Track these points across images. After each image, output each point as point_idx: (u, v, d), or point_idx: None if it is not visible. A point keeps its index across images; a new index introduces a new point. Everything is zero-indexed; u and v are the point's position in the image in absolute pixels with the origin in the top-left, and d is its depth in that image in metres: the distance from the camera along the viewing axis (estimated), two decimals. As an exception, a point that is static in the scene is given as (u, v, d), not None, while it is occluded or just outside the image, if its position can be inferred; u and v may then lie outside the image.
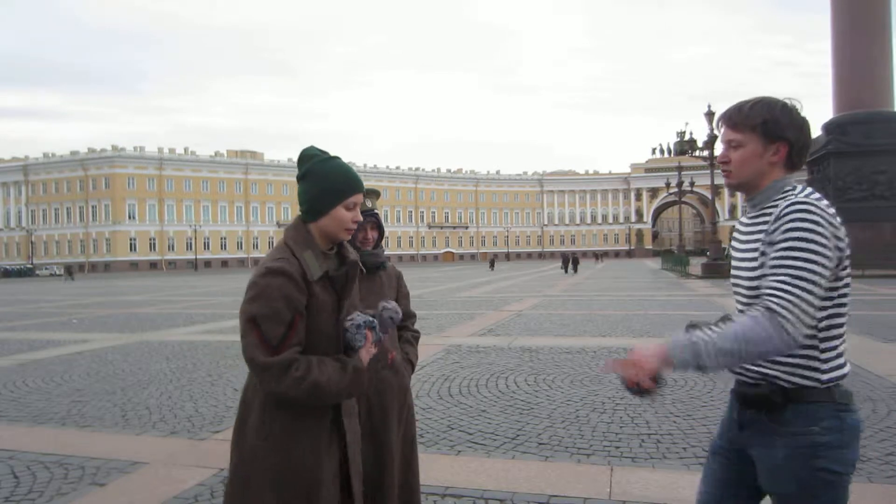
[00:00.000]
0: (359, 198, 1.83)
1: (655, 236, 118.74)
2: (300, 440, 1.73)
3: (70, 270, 55.03)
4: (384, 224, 2.74)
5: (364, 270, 2.17)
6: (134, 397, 6.16)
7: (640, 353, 1.57)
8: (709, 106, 29.21)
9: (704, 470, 1.85)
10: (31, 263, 77.10)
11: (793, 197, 1.58)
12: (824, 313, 1.56)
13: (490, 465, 3.92)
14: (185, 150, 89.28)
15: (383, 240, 2.73)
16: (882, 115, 29.83)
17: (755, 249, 1.62)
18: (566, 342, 9.10)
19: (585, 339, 9.37)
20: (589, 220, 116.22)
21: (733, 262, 1.75)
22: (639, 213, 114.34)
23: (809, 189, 1.62)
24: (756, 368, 1.63)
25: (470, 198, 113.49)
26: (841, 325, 1.60)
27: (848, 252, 1.57)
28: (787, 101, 1.65)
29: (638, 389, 1.59)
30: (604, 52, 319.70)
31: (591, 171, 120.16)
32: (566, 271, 39.37)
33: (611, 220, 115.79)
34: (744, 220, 1.76)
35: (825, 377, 1.57)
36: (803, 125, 1.64)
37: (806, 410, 1.58)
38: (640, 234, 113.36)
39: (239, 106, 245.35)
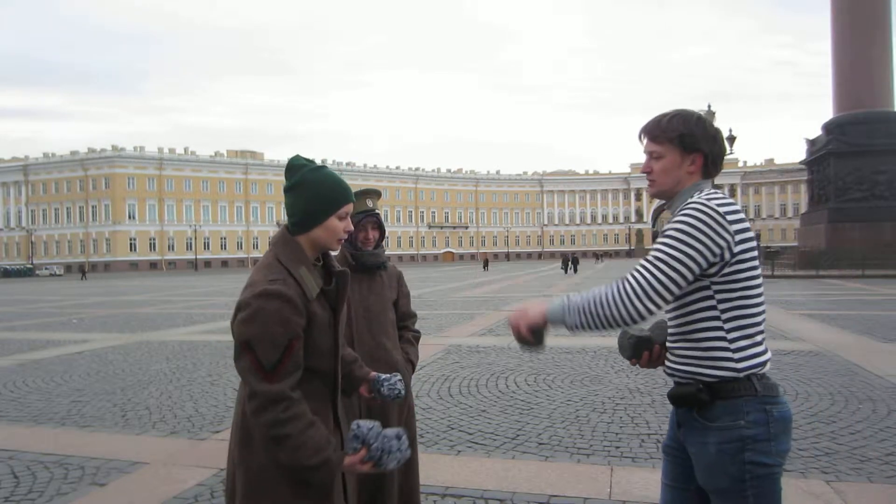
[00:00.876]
0: (350, 207, 1.79)
1: (655, 236, 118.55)
2: None
3: (83, 270, 57.44)
4: (384, 225, 2.74)
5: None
6: (134, 397, 6.16)
7: (529, 305, 1.73)
8: (709, 106, 29.15)
9: (661, 468, 1.92)
10: (31, 263, 77.03)
11: (694, 197, 1.69)
12: (728, 304, 1.64)
13: (490, 465, 3.93)
14: (185, 150, 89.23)
15: (384, 240, 2.73)
16: (882, 115, 29.80)
17: None
18: (566, 342, 9.10)
19: (585, 339, 9.37)
20: (589, 220, 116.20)
21: None
22: (639, 213, 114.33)
23: (714, 192, 1.71)
24: (682, 367, 1.71)
25: (470, 198, 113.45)
26: (751, 315, 1.65)
27: (748, 245, 1.64)
28: (702, 114, 1.77)
29: (521, 339, 1.72)
30: (604, 52, 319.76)
31: (591, 171, 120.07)
32: (566, 271, 39.23)
33: (611, 220, 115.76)
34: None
35: (741, 366, 1.63)
36: (716, 136, 1.75)
37: (732, 405, 1.63)
38: (640, 234, 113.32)
39: (239, 106, 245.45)
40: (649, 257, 1.66)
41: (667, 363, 1.79)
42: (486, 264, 51.88)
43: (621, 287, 1.63)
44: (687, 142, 1.73)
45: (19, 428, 5.14)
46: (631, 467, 3.82)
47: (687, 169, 1.75)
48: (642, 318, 1.62)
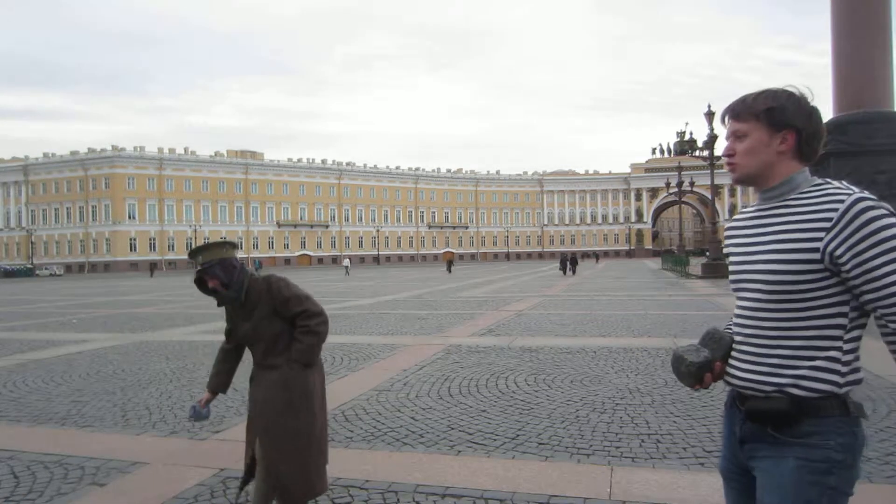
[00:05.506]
0: None
1: (655, 236, 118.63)
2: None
3: (152, 268, 60.25)
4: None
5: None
6: (134, 397, 6.16)
7: None
8: (709, 106, 29.20)
9: (724, 496, 1.76)
10: (31, 263, 76.93)
11: (849, 191, 1.47)
12: (855, 313, 1.49)
13: (490, 465, 3.92)
14: (185, 149, 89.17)
15: (236, 279, 2.85)
16: (882, 115, 29.62)
17: (794, 241, 1.49)
18: (566, 342, 9.10)
19: (585, 339, 9.37)
20: (589, 220, 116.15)
21: (736, 259, 1.64)
22: (639, 213, 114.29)
23: (852, 185, 1.51)
24: (768, 379, 1.52)
25: (470, 198, 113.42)
26: (864, 327, 1.51)
27: None
28: (795, 90, 1.57)
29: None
30: (603, 52, 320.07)
31: (591, 171, 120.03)
32: (564, 272, 38.31)
33: (611, 220, 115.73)
34: (748, 213, 1.66)
35: (844, 381, 1.48)
36: (812, 113, 1.55)
37: (823, 424, 1.48)
38: (640, 234, 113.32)
39: (239, 106, 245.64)
40: None
41: (736, 373, 1.59)
42: (449, 266, 41.60)
43: None
44: (776, 116, 1.53)
45: (19, 428, 5.14)
46: (631, 467, 3.82)
47: (777, 148, 1.55)
48: None
